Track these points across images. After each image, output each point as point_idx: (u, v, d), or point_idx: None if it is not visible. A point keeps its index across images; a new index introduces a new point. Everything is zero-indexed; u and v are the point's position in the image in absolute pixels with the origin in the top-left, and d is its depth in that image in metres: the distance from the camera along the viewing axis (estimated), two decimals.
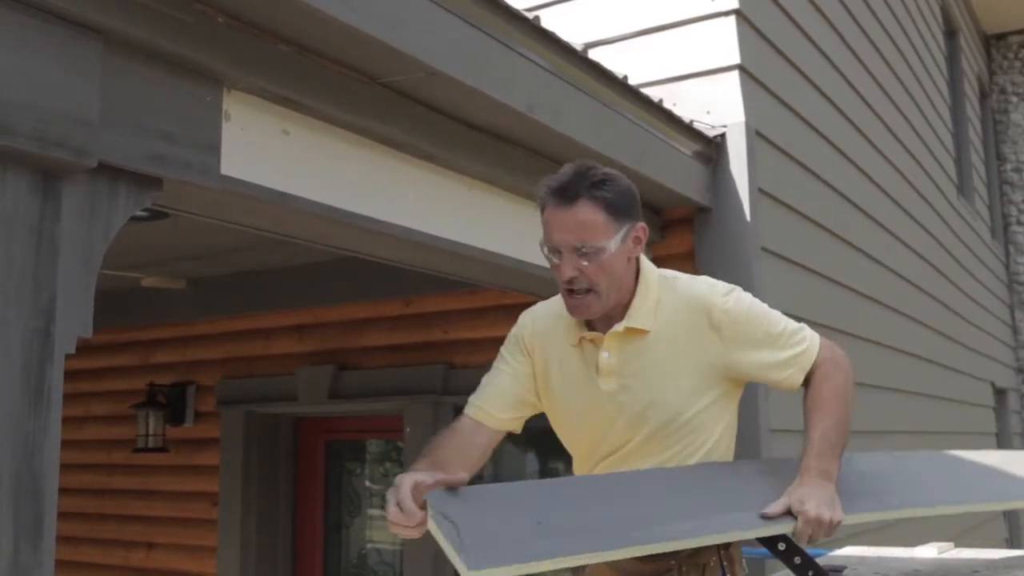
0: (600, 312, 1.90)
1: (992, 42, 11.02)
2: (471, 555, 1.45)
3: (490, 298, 4.16)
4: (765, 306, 1.99)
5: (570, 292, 1.87)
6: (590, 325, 1.98)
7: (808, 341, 1.97)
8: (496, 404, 2.00)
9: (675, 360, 1.93)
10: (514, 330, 2.09)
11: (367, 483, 5.38)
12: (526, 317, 2.09)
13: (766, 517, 1.75)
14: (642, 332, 1.92)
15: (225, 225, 2.34)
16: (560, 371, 2.00)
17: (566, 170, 1.87)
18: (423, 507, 1.62)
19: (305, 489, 5.28)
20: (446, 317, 4.44)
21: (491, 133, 2.64)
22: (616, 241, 1.84)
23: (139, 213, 3.72)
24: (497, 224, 2.82)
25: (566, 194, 1.82)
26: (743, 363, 1.94)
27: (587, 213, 1.81)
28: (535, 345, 2.02)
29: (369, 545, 5.26)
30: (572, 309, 1.90)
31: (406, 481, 1.63)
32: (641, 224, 1.91)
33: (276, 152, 2.11)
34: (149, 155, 1.75)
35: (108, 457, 5.75)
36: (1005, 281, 10.15)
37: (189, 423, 5.39)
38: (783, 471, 1.91)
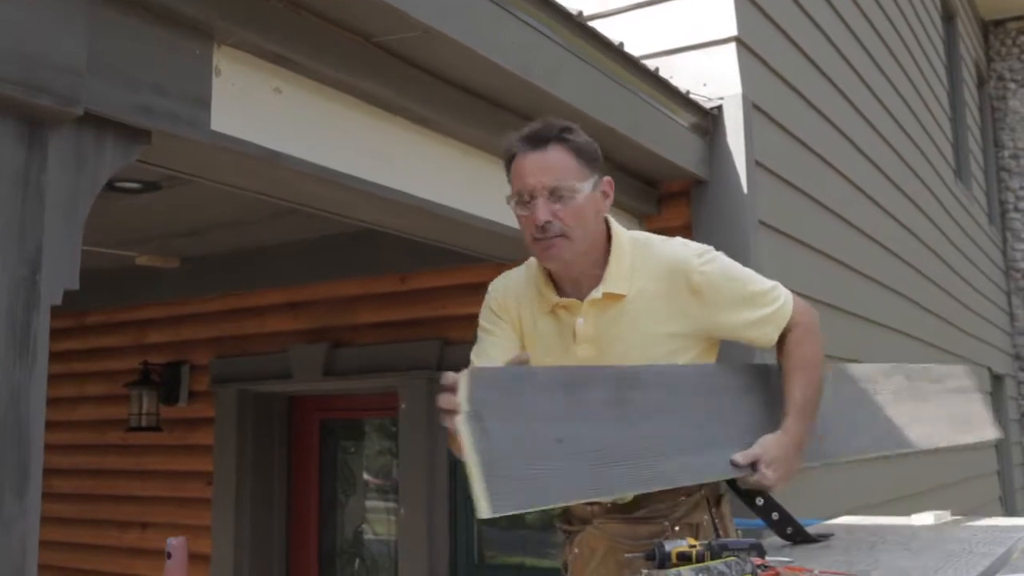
0: (571, 258, 1.88)
1: (990, 28, 10.99)
2: (491, 498, 1.42)
3: (485, 273, 4.08)
4: (739, 264, 2.00)
5: (540, 240, 1.85)
6: (561, 291, 1.95)
7: (783, 298, 1.98)
8: None
9: (652, 324, 1.92)
10: (486, 300, 2.05)
11: (363, 466, 5.36)
12: (497, 282, 2.06)
13: (735, 465, 1.80)
14: (619, 297, 1.91)
15: (218, 191, 2.32)
16: (536, 337, 1.98)
17: (533, 123, 1.91)
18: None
19: (300, 468, 5.26)
20: (441, 293, 4.41)
21: (486, 97, 2.62)
22: (588, 186, 1.86)
23: (131, 186, 3.70)
24: (492, 190, 2.78)
25: (538, 139, 1.86)
26: (722, 324, 1.94)
27: (560, 155, 1.85)
28: (511, 306, 1.99)
29: (364, 524, 5.25)
30: (544, 253, 1.88)
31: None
32: (608, 178, 1.94)
33: (268, 110, 2.08)
34: (137, 106, 1.73)
35: (102, 437, 5.72)
36: (1002, 268, 10.15)
37: (183, 402, 5.36)
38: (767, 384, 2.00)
